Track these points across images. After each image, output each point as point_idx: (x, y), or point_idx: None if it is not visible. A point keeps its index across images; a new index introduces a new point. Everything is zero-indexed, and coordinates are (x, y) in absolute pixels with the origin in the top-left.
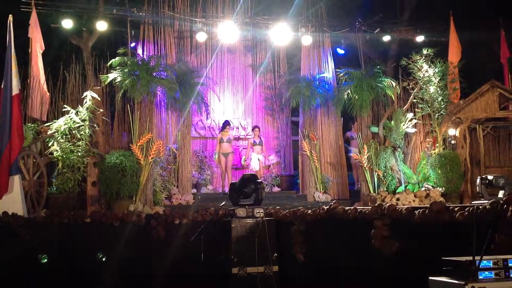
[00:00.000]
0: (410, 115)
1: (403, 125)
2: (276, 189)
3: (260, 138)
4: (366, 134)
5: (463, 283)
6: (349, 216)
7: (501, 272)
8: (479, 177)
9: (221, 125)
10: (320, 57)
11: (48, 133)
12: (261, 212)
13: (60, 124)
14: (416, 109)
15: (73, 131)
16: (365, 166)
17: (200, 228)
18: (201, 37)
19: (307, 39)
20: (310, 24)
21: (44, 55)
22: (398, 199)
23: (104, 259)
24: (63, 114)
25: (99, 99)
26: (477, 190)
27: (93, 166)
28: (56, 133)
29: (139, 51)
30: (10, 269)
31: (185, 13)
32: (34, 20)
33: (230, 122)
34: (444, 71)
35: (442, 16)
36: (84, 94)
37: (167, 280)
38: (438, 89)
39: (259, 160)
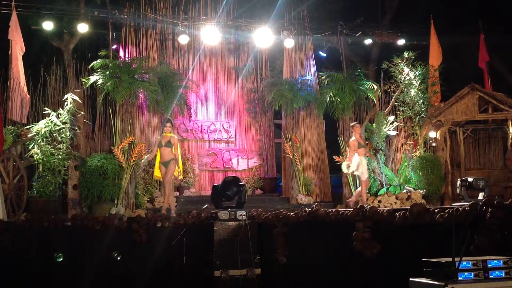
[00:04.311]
0: (391, 117)
1: (385, 127)
2: (258, 191)
3: (362, 137)
4: (348, 137)
5: (443, 284)
6: (331, 218)
7: (481, 273)
8: (459, 179)
9: (203, 127)
10: (303, 60)
11: (29, 136)
12: (244, 215)
13: (40, 126)
14: (398, 112)
15: (54, 134)
16: None
17: (182, 231)
18: (183, 39)
19: (289, 42)
20: (292, 27)
21: (24, 57)
22: (380, 201)
23: (119, 258)
24: (44, 116)
25: (80, 101)
26: (458, 192)
27: (74, 169)
28: (37, 136)
29: (121, 53)
30: None
31: (167, 15)
32: (14, 22)
33: (171, 120)
34: (425, 74)
35: (422, 19)
36: (65, 96)
37: (150, 283)
38: (419, 92)
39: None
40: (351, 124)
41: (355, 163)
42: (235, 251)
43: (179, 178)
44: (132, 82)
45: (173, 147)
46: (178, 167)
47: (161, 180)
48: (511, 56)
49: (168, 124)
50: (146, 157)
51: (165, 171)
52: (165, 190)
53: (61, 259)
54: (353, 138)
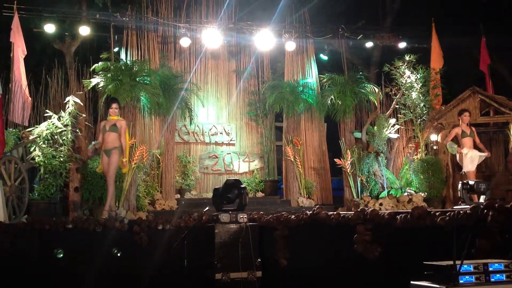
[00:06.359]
0: (392, 120)
1: (386, 130)
2: (260, 194)
3: (470, 128)
4: (349, 140)
5: (444, 287)
6: (332, 221)
7: (482, 277)
8: (460, 182)
9: (205, 130)
10: (304, 62)
11: (30, 138)
12: (245, 218)
13: (42, 129)
14: (399, 115)
15: (55, 136)
16: (348, 171)
17: (183, 233)
18: (184, 42)
19: (290, 45)
20: (293, 30)
21: (26, 59)
22: (381, 204)
23: (118, 254)
24: (45, 119)
25: (82, 104)
26: (459, 195)
27: (76, 171)
28: (38, 138)
29: (123, 56)
30: None
31: (169, 18)
32: (16, 24)
33: (118, 100)
34: (426, 77)
35: (424, 22)
36: (67, 99)
37: (151, 285)
38: (420, 95)
39: (476, 157)
40: (460, 110)
41: (466, 160)
42: (236, 254)
43: (123, 171)
44: (134, 84)
45: (119, 133)
46: (124, 157)
47: (104, 174)
48: None
49: (114, 106)
50: (93, 143)
51: (108, 162)
52: (108, 188)
53: (61, 255)
54: (458, 126)
